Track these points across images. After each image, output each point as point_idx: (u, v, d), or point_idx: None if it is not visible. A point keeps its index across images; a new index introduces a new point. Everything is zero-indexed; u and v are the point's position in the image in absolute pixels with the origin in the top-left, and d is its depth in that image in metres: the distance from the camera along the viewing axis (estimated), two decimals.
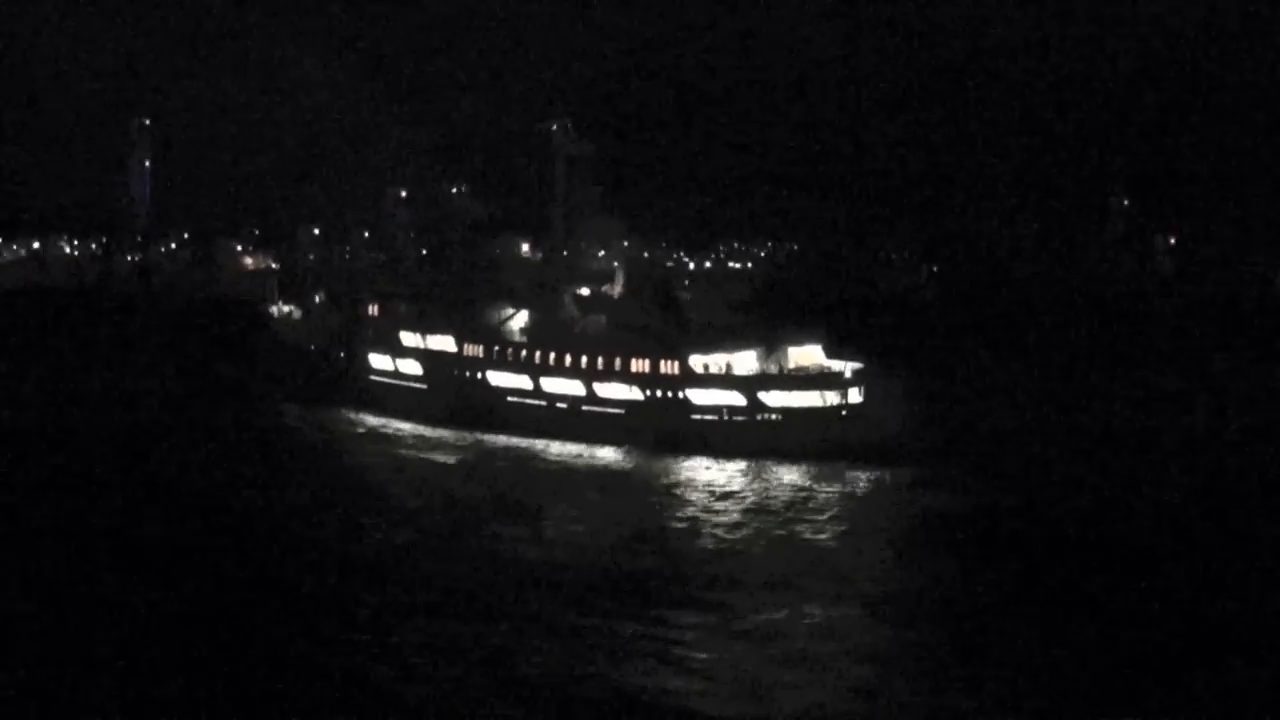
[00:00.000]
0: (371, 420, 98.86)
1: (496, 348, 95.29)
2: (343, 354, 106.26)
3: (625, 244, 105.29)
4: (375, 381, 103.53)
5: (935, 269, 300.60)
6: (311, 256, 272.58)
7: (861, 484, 75.21)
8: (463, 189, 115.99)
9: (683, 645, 47.68)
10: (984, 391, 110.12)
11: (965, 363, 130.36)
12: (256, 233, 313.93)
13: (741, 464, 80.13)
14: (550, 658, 46.24)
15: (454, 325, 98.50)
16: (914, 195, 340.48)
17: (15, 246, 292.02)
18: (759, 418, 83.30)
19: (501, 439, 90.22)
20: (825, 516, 67.63)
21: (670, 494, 74.00)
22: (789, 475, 77.39)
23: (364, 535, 64.14)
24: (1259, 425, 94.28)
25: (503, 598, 53.14)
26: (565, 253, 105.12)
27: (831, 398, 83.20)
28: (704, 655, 46.77)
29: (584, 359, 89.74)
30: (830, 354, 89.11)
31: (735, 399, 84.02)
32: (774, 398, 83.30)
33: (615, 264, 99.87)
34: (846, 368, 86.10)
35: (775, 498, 72.14)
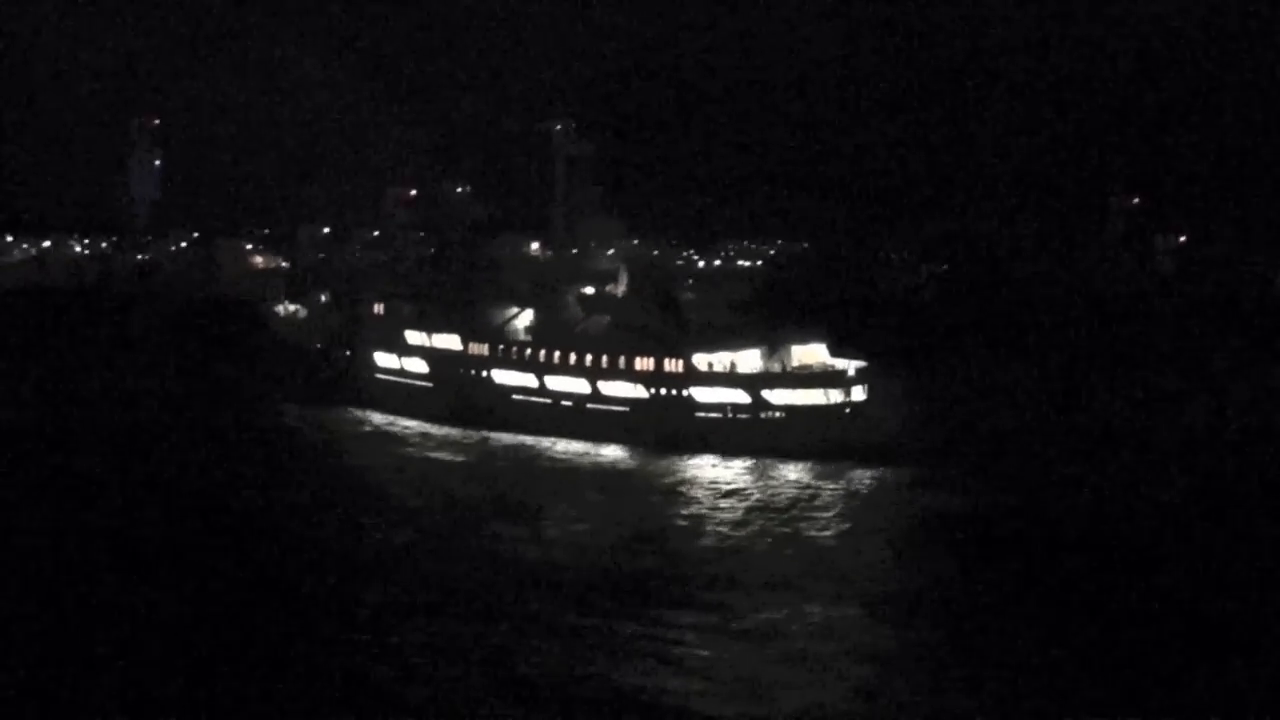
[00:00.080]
0: (376, 419, 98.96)
1: (501, 347, 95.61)
2: (347, 353, 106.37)
3: (636, 242, 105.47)
4: (380, 380, 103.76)
5: (937, 268, 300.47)
6: (322, 256, 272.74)
7: (863, 483, 75.20)
8: (467, 189, 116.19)
9: (683, 645, 47.68)
10: (984, 391, 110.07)
11: (965, 362, 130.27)
12: (267, 232, 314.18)
13: (745, 462, 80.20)
14: (550, 657, 46.22)
15: (459, 324, 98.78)
16: (914, 195, 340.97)
17: (26, 246, 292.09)
18: (762, 416, 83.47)
19: (506, 437, 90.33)
20: (827, 515, 67.66)
21: (673, 492, 74.01)
22: (792, 474, 77.42)
23: (364, 535, 64.12)
24: (1259, 425, 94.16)
25: (503, 597, 53.12)
26: (575, 251, 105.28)
27: (835, 396, 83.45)
28: (704, 655, 46.79)
29: (588, 358, 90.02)
30: (833, 353, 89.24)
31: (739, 397, 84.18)
32: (778, 396, 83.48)
33: (619, 264, 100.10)
34: (850, 366, 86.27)
35: (778, 496, 72.12)
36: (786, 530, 64.75)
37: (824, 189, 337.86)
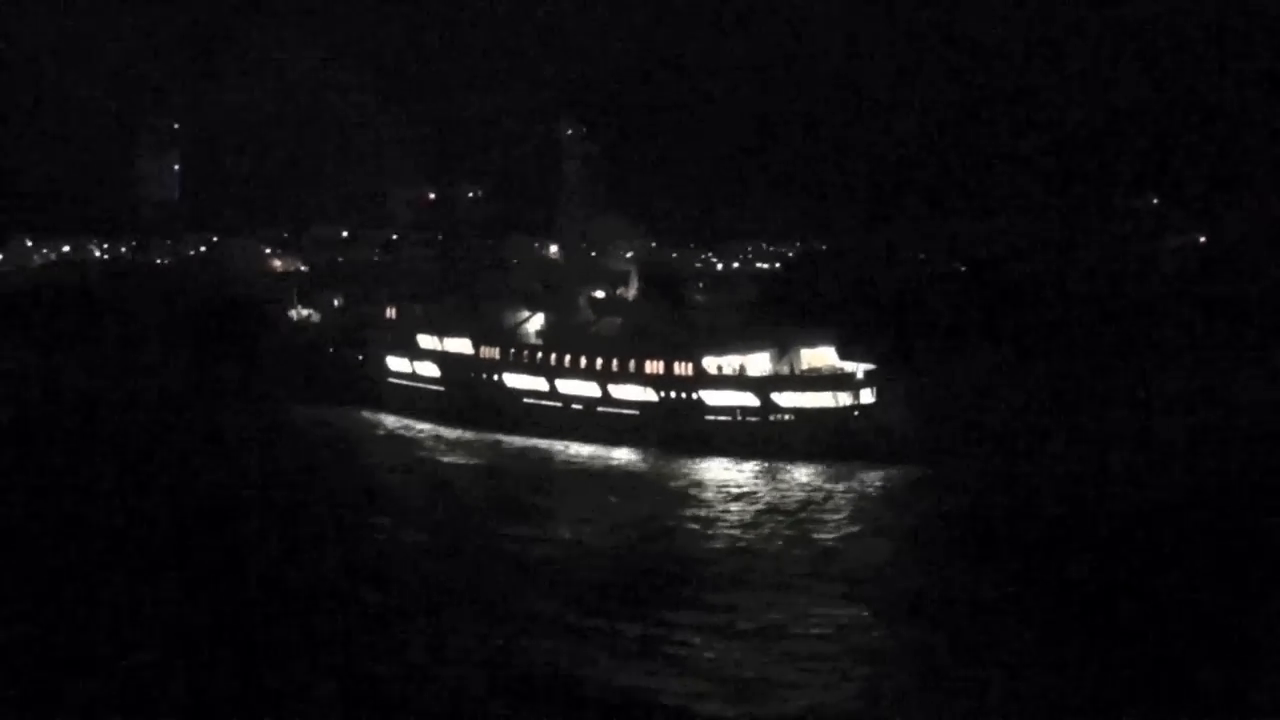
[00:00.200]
0: (388, 421, 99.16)
1: (512, 350, 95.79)
2: (360, 356, 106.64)
3: (654, 245, 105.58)
4: (391, 383, 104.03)
5: (935, 269, 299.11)
6: (340, 259, 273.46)
7: (870, 484, 75.04)
8: (479, 193, 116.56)
9: (685, 645, 47.78)
10: (985, 391, 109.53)
11: (966, 363, 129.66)
12: (285, 235, 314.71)
13: (755, 465, 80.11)
14: (553, 658, 46.34)
15: (470, 327, 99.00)
16: (914, 195, 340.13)
17: (45, 250, 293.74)
18: (772, 418, 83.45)
19: (517, 440, 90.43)
20: (836, 517, 67.51)
21: (682, 494, 74.00)
22: (802, 476, 77.29)
23: (370, 535, 64.32)
24: (1259, 425, 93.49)
25: (507, 598, 53.29)
26: (591, 253, 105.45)
27: (844, 398, 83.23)
28: (706, 655, 46.88)
29: (599, 361, 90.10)
30: (842, 355, 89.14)
31: (748, 400, 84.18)
32: (787, 398, 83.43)
33: (631, 266, 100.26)
34: (859, 369, 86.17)
35: (787, 498, 72.05)
36: (795, 532, 64.66)
37: (824, 189, 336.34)
